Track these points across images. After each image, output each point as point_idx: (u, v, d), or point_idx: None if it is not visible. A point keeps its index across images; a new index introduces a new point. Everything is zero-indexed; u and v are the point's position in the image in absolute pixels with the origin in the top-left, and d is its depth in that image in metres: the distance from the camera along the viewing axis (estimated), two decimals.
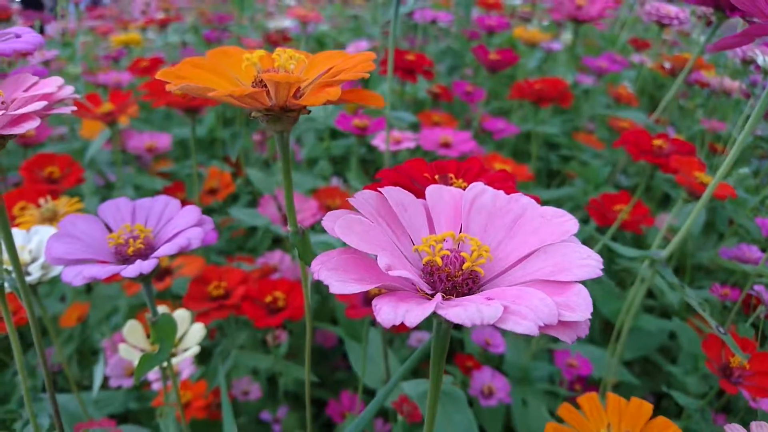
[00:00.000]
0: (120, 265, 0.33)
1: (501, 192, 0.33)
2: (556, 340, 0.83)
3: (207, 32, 1.80)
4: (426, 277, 0.28)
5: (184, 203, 1.15)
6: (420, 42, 1.84)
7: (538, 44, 1.46)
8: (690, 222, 0.56)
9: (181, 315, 0.59)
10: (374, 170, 1.64)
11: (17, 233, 0.65)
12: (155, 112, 1.53)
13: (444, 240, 0.29)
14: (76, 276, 0.32)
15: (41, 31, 3.40)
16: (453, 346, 1.15)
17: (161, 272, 0.97)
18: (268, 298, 0.78)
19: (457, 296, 0.27)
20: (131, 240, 0.36)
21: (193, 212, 0.37)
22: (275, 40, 1.71)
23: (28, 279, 0.59)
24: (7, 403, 1.04)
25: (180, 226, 0.37)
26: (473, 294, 0.28)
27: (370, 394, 1.08)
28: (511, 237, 0.30)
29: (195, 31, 1.79)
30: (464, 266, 0.27)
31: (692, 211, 0.58)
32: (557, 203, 1.31)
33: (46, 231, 0.64)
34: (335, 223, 0.26)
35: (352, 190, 1.17)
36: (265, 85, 0.31)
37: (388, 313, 0.23)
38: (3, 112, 0.34)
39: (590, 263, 0.26)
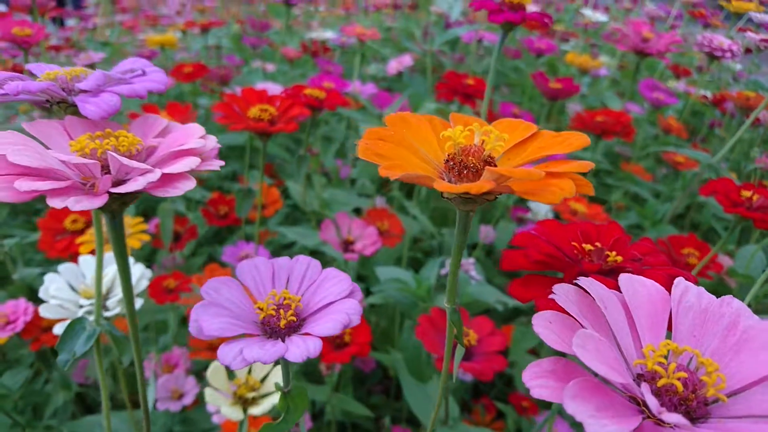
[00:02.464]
0: (279, 343, 0.31)
1: (702, 289, 0.30)
2: None
3: (245, 38, 1.78)
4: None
5: (231, 217, 1.12)
6: (457, 59, 1.82)
7: (589, 71, 1.44)
8: None
9: None
10: (408, 188, 1.61)
11: (91, 261, 0.63)
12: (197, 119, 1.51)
13: (668, 353, 0.26)
14: (235, 358, 0.29)
15: (62, 24, 3.37)
16: (497, 382, 1.13)
17: None
18: None
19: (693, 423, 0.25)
20: (282, 311, 0.33)
21: (343, 280, 0.35)
22: (315, 51, 1.69)
23: (105, 314, 0.57)
24: (40, 418, 1.01)
25: (331, 296, 0.34)
26: (708, 422, 0.25)
27: (414, 424, 1.05)
28: (735, 351, 0.27)
29: (234, 39, 1.76)
30: (708, 393, 0.24)
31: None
32: None
33: None
34: (573, 342, 0.24)
35: (408, 217, 1.14)
36: (467, 167, 0.28)
37: None
38: (159, 171, 0.31)
39: None
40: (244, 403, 0.57)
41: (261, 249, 0.99)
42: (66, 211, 0.93)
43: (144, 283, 0.59)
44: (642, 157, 1.47)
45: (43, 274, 1.13)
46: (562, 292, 0.28)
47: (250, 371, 0.60)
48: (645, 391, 0.22)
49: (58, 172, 0.33)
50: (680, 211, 1.42)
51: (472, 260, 0.84)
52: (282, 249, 1.34)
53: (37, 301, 1.03)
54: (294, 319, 0.33)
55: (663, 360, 0.26)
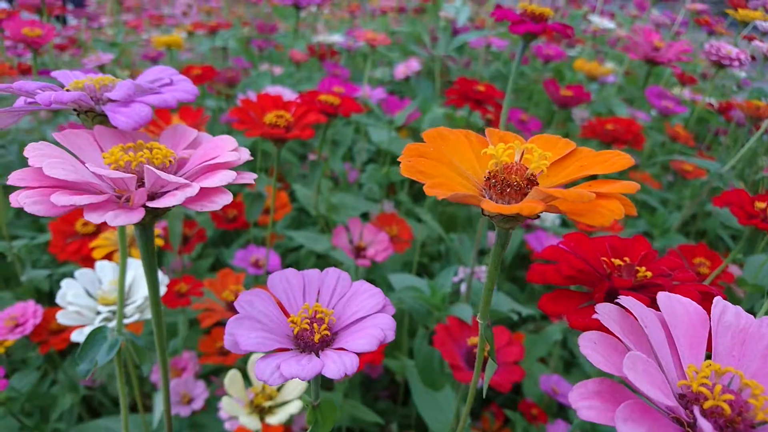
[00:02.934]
0: (314, 359, 0.31)
1: (740, 309, 0.30)
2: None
3: (253, 40, 1.78)
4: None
5: (240, 221, 1.11)
6: (464, 63, 1.82)
7: (597, 78, 1.44)
8: None
9: None
10: (415, 193, 1.61)
11: (107, 266, 0.62)
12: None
13: (710, 374, 0.26)
14: (272, 374, 0.29)
15: (64, 23, 3.36)
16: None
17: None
18: None
19: None
20: (315, 325, 0.33)
21: (375, 294, 0.35)
22: (322, 54, 1.69)
23: (124, 321, 0.56)
24: (46, 421, 1.01)
25: (363, 310, 0.34)
26: None
27: (421, 430, 1.05)
28: None
29: (241, 41, 1.76)
30: (757, 417, 0.24)
31: None
32: None
33: (140, 265, 0.61)
34: (624, 364, 0.24)
35: (416, 222, 1.13)
36: (509, 185, 0.28)
37: None
38: (198, 186, 0.31)
39: None
40: (261, 411, 0.57)
41: (272, 253, 0.99)
42: (77, 214, 0.93)
43: (162, 290, 0.58)
44: (649, 165, 1.47)
45: (51, 275, 1.13)
46: (604, 312, 0.28)
47: None
48: (697, 415, 0.22)
49: (93, 185, 0.33)
50: (685, 218, 1.42)
51: (484, 268, 0.84)
52: (288, 252, 1.34)
53: (45, 302, 1.03)
54: (327, 333, 0.33)
55: (707, 381, 0.26)
